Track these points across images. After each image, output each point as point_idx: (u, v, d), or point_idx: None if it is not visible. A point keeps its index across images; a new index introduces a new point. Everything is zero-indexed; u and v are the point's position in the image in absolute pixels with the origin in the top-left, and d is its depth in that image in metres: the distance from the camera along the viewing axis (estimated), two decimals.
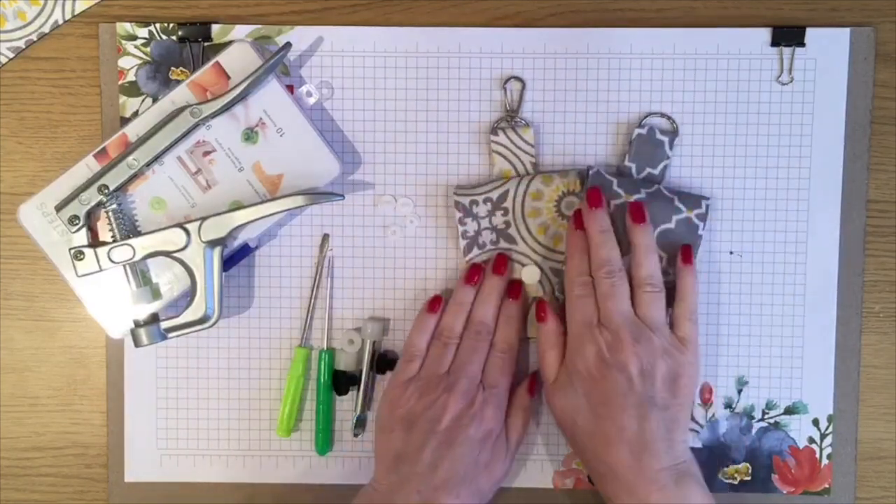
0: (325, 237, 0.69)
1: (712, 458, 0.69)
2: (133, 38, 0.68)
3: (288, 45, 0.65)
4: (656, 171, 0.67)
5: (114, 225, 0.64)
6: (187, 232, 0.64)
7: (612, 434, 0.61)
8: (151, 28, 0.67)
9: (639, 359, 0.61)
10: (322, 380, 0.69)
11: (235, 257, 0.67)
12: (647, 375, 0.61)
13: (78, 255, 0.64)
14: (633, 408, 0.60)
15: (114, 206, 0.64)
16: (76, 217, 0.64)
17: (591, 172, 0.66)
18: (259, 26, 0.67)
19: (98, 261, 0.64)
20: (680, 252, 0.65)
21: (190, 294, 0.65)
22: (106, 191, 0.64)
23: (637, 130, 0.67)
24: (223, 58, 0.65)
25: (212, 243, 0.64)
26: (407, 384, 0.65)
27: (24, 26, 0.68)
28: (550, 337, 0.65)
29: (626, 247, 0.65)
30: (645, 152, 0.67)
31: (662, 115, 0.68)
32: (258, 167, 0.66)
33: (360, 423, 0.69)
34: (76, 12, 0.68)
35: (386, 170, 0.68)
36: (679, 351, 0.62)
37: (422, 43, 0.68)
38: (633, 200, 0.64)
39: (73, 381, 0.70)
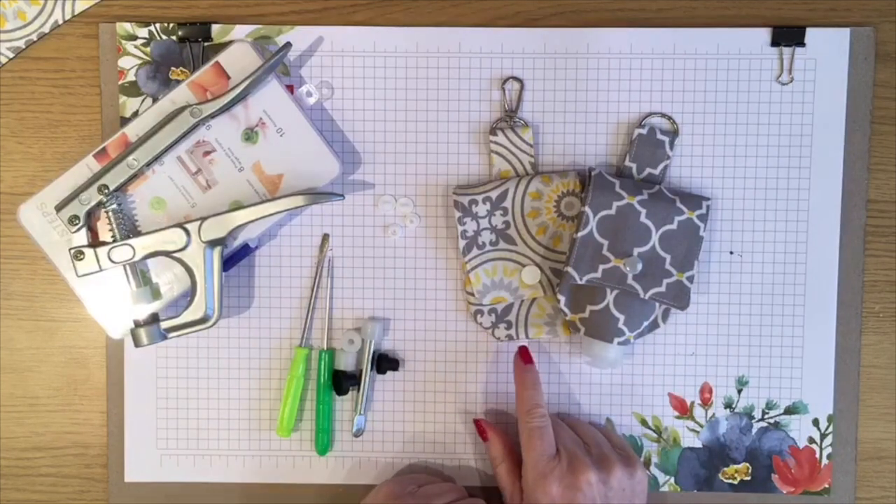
0: (325, 237, 0.69)
1: (712, 458, 0.69)
2: (133, 38, 0.68)
3: (288, 45, 0.65)
4: (657, 172, 0.67)
5: (114, 225, 0.64)
6: (187, 232, 0.64)
7: None
8: (151, 28, 0.67)
9: (597, 474, 0.62)
10: (322, 380, 0.69)
11: (235, 257, 0.67)
12: (607, 492, 0.62)
13: (78, 255, 0.64)
14: None
15: (114, 206, 0.64)
16: (76, 217, 0.64)
17: (593, 174, 0.66)
18: (259, 26, 0.67)
19: (98, 261, 0.64)
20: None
21: (190, 294, 0.65)
22: (106, 191, 0.64)
23: (637, 130, 0.67)
24: (223, 58, 0.65)
25: (212, 243, 0.64)
26: None
27: (24, 26, 0.68)
28: (498, 452, 0.66)
29: (629, 246, 0.65)
30: (645, 152, 0.67)
31: (662, 115, 0.68)
32: (258, 167, 0.66)
33: (360, 424, 0.69)
34: (76, 12, 0.68)
35: (386, 170, 0.68)
36: (630, 465, 0.64)
37: (422, 43, 0.68)
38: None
39: (73, 381, 0.70)
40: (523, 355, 0.67)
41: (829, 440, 0.69)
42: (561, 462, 0.62)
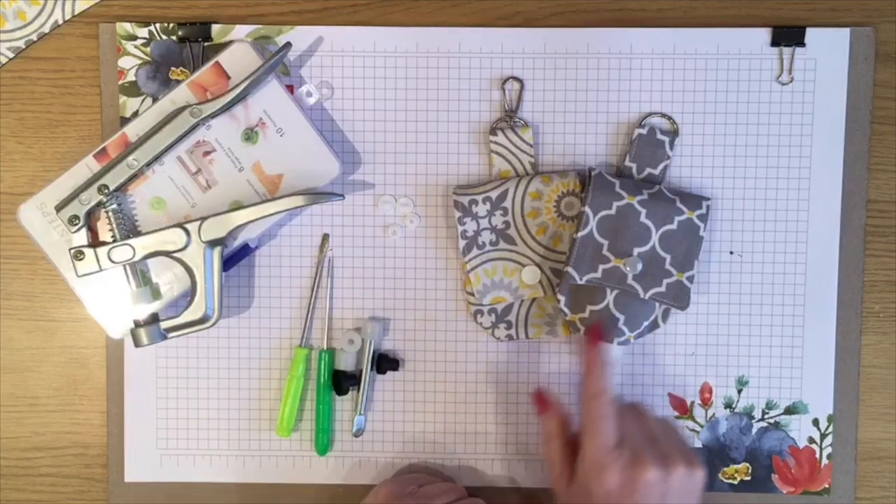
0: (325, 237, 0.69)
1: (712, 458, 0.69)
2: (133, 38, 0.68)
3: (288, 45, 0.65)
4: (657, 172, 0.67)
5: (114, 225, 0.64)
6: (187, 232, 0.64)
7: None
8: (151, 28, 0.67)
9: (660, 473, 0.60)
10: (322, 380, 0.69)
11: (235, 257, 0.67)
12: (667, 490, 0.60)
13: (78, 255, 0.64)
14: None
15: (114, 206, 0.64)
16: (76, 217, 0.64)
17: (593, 174, 0.66)
18: (259, 26, 0.67)
19: (98, 261, 0.64)
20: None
21: (190, 294, 0.65)
22: (106, 191, 0.64)
23: (637, 130, 0.67)
24: (223, 58, 0.65)
25: (212, 243, 0.64)
26: None
27: (24, 26, 0.68)
28: (553, 428, 0.65)
29: (629, 246, 0.65)
30: (645, 152, 0.67)
31: (663, 115, 0.68)
32: (258, 167, 0.66)
33: (360, 424, 0.69)
34: (76, 12, 0.68)
35: (386, 170, 0.68)
36: (691, 464, 0.61)
37: (422, 43, 0.68)
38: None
39: (73, 381, 0.70)
40: (594, 333, 0.64)
41: (829, 440, 0.69)
42: (623, 454, 0.60)
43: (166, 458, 0.70)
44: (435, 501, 0.64)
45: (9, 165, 0.69)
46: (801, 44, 0.67)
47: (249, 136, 0.65)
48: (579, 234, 0.65)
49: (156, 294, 0.66)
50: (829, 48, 0.67)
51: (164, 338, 0.65)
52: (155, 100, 0.67)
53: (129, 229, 0.65)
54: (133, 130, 0.65)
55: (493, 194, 0.67)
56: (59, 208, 0.64)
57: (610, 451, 0.60)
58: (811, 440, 0.69)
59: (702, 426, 0.69)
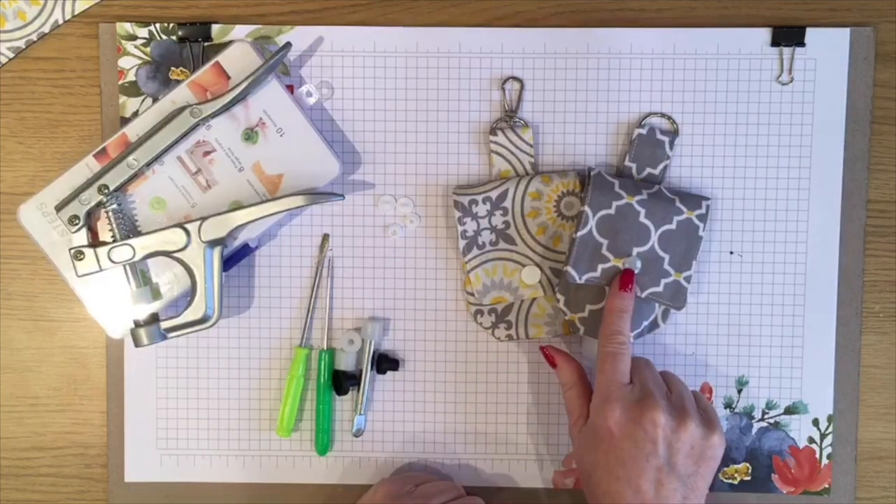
0: (325, 237, 0.69)
1: None
2: (133, 38, 0.68)
3: (288, 45, 0.65)
4: (656, 172, 0.67)
5: (114, 225, 0.64)
6: (187, 232, 0.64)
7: (628, 496, 0.58)
8: (151, 28, 0.67)
9: (667, 419, 0.59)
10: (322, 380, 0.69)
11: (235, 257, 0.67)
12: (673, 441, 0.59)
13: (78, 255, 0.64)
14: (653, 471, 0.59)
15: (114, 206, 0.64)
16: (76, 217, 0.64)
17: (592, 174, 0.66)
18: (259, 26, 0.67)
19: (98, 261, 0.64)
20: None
21: (190, 294, 0.65)
22: (106, 191, 0.64)
23: (637, 130, 0.67)
24: (223, 58, 0.65)
25: (212, 243, 0.64)
26: None
27: (24, 26, 0.68)
28: (568, 377, 0.65)
29: (628, 245, 0.65)
30: (645, 152, 0.67)
31: (663, 115, 0.68)
32: (258, 167, 0.66)
33: (360, 424, 0.69)
34: (76, 12, 0.68)
35: (386, 170, 0.68)
36: (708, 427, 0.60)
37: (422, 43, 0.68)
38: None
39: (73, 381, 0.70)
40: (623, 280, 0.64)
41: (829, 440, 0.69)
42: (632, 391, 0.60)
43: (166, 458, 0.70)
44: (432, 501, 0.64)
45: (9, 165, 0.69)
46: (801, 44, 0.67)
47: (249, 136, 0.65)
48: (578, 233, 0.65)
49: (156, 294, 0.66)
50: (829, 48, 0.67)
51: (164, 338, 0.65)
52: (155, 100, 0.67)
53: (129, 229, 0.65)
54: (133, 130, 0.65)
55: (493, 194, 0.67)
56: (59, 208, 0.64)
57: (620, 387, 0.60)
58: (811, 440, 0.69)
59: None
